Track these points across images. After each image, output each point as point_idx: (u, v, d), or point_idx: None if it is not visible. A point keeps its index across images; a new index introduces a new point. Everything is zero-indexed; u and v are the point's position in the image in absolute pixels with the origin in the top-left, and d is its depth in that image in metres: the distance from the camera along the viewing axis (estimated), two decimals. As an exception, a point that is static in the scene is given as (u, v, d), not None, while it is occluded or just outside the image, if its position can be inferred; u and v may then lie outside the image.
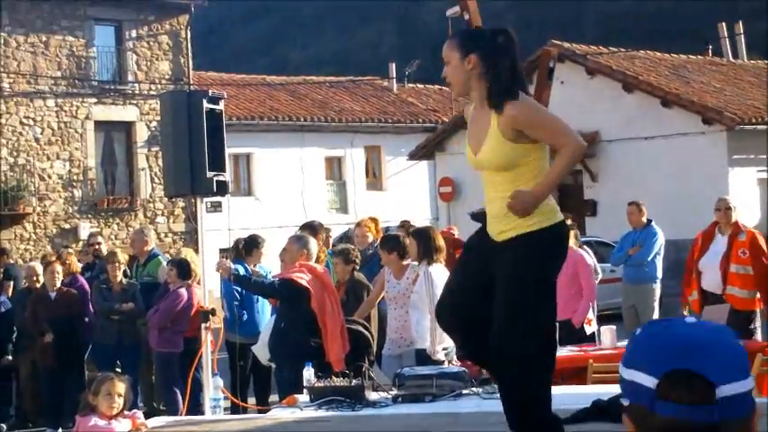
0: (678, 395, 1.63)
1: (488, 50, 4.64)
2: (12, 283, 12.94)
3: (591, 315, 9.75)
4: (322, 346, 7.97)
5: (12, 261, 14.70)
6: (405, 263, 8.55)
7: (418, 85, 37.96)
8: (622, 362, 1.74)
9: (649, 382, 1.66)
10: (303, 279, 8.09)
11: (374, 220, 11.11)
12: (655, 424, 1.65)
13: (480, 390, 6.61)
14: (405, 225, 11.70)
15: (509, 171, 4.57)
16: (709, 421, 1.62)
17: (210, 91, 8.58)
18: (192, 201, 24.93)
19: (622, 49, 27.66)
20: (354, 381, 6.82)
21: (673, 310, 10.36)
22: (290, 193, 30.75)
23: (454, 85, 4.80)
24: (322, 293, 8.12)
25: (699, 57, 29.89)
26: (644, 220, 11.98)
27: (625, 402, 1.72)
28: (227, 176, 8.52)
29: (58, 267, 11.19)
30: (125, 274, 11.35)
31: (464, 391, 6.73)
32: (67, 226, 27.13)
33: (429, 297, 7.88)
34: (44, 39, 27.13)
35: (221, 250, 24.82)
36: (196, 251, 11.26)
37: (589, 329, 9.60)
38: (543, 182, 4.47)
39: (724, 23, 31.05)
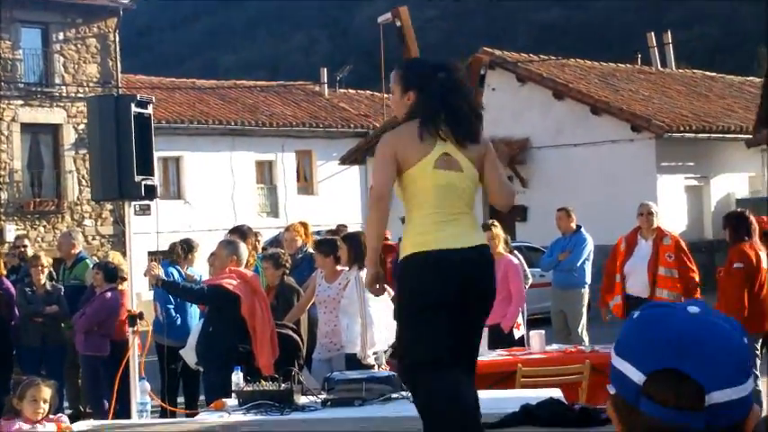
0: (664, 397, 1.52)
1: (425, 88, 4.79)
2: None
3: (520, 319, 9.81)
4: (251, 352, 7.93)
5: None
6: (339, 268, 8.55)
7: (350, 91, 38.00)
8: (614, 346, 1.62)
9: (636, 376, 1.55)
10: (232, 285, 8.04)
11: (304, 224, 11.10)
12: (637, 420, 1.55)
13: (410, 394, 6.61)
14: (340, 230, 11.69)
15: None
16: (695, 427, 1.51)
17: (139, 95, 8.51)
18: (121, 204, 24.66)
19: (553, 57, 27.95)
20: (284, 385, 6.79)
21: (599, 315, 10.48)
22: (220, 197, 30.57)
23: (397, 114, 5.04)
24: (252, 299, 8.08)
25: (628, 65, 30.31)
26: (573, 225, 12.08)
27: (611, 390, 1.61)
28: (156, 180, 8.45)
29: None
30: (51, 277, 11.19)
31: (393, 396, 6.73)
32: (-7, 227, 26.71)
33: (360, 302, 7.88)
34: (-29, 40, 26.68)
35: (150, 253, 24.61)
36: (124, 254, 11.13)
37: (518, 333, 9.66)
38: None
39: (653, 33, 31.55)
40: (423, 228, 4.73)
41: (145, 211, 24.35)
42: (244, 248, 8.60)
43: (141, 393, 7.27)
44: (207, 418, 6.72)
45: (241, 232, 10.30)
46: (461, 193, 4.80)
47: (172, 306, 10.18)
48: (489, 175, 4.91)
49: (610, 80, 27.13)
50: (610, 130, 23.85)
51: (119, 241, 27.32)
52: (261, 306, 8.12)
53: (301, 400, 6.79)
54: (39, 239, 26.14)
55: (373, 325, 7.84)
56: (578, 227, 12.10)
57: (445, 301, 4.63)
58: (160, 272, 8.21)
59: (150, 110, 8.35)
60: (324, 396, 6.79)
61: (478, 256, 4.77)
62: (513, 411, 5.63)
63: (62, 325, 10.83)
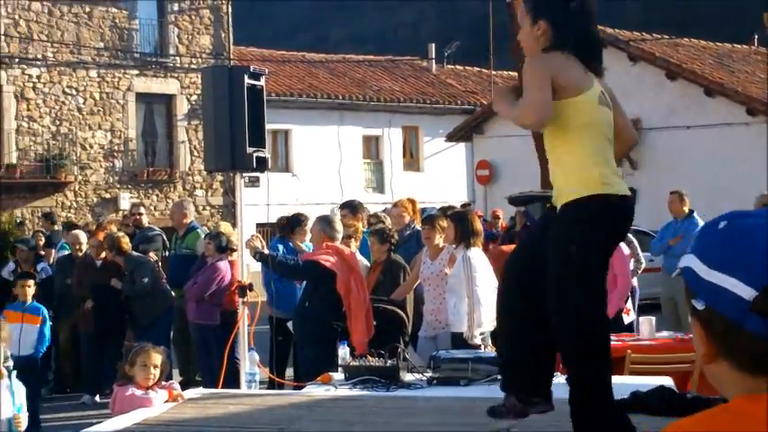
0: None
1: (558, 18, 4.47)
2: (53, 250, 13.11)
3: (629, 305, 9.66)
4: (346, 329, 7.97)
5: (57, 228, 14.84)
6: (441, 244, 8.54)
7: (457, 67, 37.83)
8: (702, 258, 1.47)
9: (745, 292, 1.40)
10: (329, 261, 8.08)
11: (412, 201, 11.09)
12: (741, 340, 1.40)
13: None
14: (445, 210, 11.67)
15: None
16: None
17: (252, 66, 8.57)
18: (231, 175, 25.02)
19: (666, 36, 27.38)
20: (390, 361, 6.82)
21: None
22: (327, 171, 30.78)
23: (525, 49, 4.61)
24: (348, 276, 8.11)
25: (744, 46, 29.53)
26: (686, 209, 11.84)
27: (699, 306, 1.46)
28: (267, 152, 8.52)
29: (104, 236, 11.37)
30: (165, 246, 11.45)
31: (500, 377, 6.69)
32: (108, 196, 27.34)
33: (467, 281, 7.86)
34: (87, 9, 27.25)
35: (258, 225, 24.97)
36: (233, 225, 11.29)
37: (627, 319, 9.52)
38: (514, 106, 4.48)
39: (770, 13, 30.65)
40: (595, 169, 4.34)
41: (254, 183, 24.70)
42: (337, 223, 8.62)
43: (250, 364, 7.37)
44: (314, 391, 6.78)
45: (352, 207, 10.35)
46: (612, 133, 4.51)
47: (275, 278, 10.27)
48: (618, 110, 4.60)
49: (725, 61, 26.48)
50: (724, 112, 23.29)
51: (228, 212, 27.77)
52: (357, 283, 8.15)
53: (407, 377, 6.81)
54: (152, 208, 26.68)
55: (480, 305, 7.82)
56: (691, 211, 11.86)
57: (610, 253, 4.42)
58: (260, 244, 8.27)
59: (263, 82, 8.39)
60: (429, 374, 6.79)
61: (632, 207, 4.54)
62: (623, 398, 5.56)
63: (174, 294, 11.05)
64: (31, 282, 9.92)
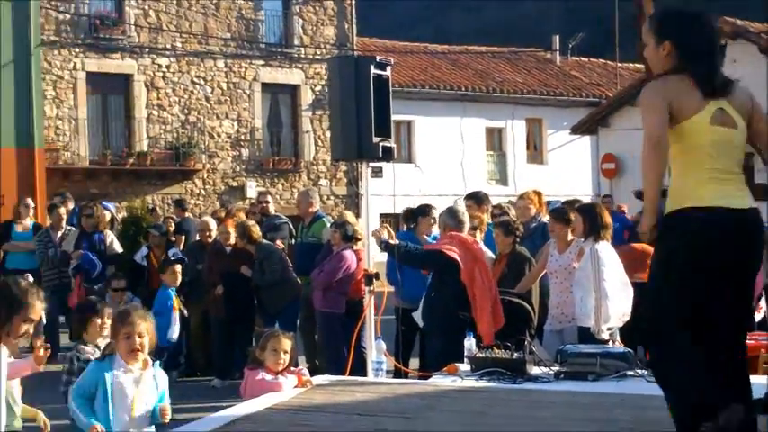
0: None
1: (683, 39, 4.53)
2: (183, 236, 13.45)
3: (763, 303, 9.41)
4: (473, 319, 7.95)
5: (187, 215, 15.21)
6: (570, 238, 8.46)
7: (582, 59, 37.36)
8: None
9: None
10: (453, 250, 8.07)
11: (538, 193, 10.99)
12: None
13: (645, 372, 6.47)
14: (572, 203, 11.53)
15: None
16: None
17: (378, 57, 8.61)
18: (355, 165, 25.27)
19: (799, 27, 26.53)
20: (516, 354, 6.80)
21: None
22: (449, 163, 30.76)
23: (651, 67, 4.74)
24: (472, 265, 8.09)
25: None
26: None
27: None
28: (392, 142, 8.55)
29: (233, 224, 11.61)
30: (291, 235, 11.59)
31: (629, 373, 6.62)
32: (235, 184, 27.86)
33: (595, 275, 7.77)
34: (215, 0, 27.77)
35: (382, 215, 25.11)
36: (357, 215, 11.35)
37: (758, 317, 9.28)
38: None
39: None
40: (698, 186, 4.47)
41: (377, 173, 24.84)
42: (463, 215, 8.60)
43: (377, 352, 7.42)
44: (440, 381, 6.80)
45: (477, 198, 10.33)
46: (736, 152, 4.57)
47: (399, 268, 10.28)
48: (760, 126, 4.66)
49: None
50: None
51: (352, 202, 28.04)
52: (481, 274, 8.11)
53: (533, 370, 6.78)
54: (277, 197, 27.08)
55: (608, 299, 7.72)
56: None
57: (712, 265, 4.42)
58: (387, 234, 8.31)
59: (388, 72, 8.42)
60: (556, 368, 6.75)
61: (753, 220, 4.53)
62: (758, 398, 5.42)
63: (301, 281, 11.20)
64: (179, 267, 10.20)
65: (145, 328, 5.22)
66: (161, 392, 5.22)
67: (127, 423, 5.07)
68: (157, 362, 5.31)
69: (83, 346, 6.25)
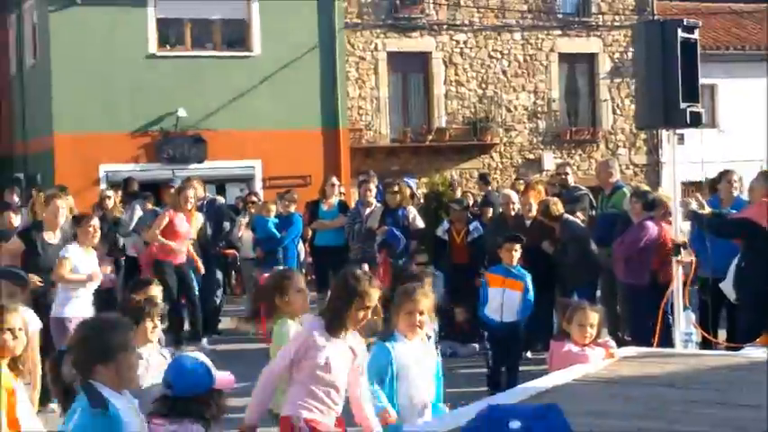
0: None
1: None
2: (491, 208, 13.65)
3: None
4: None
5: (490, 189, 15.43)
6: None
7: None
8: None
9: None
10: (763, 218, 7.72)
11: None
12: None
13: None
14: None
15: None
16: None
17: (685, 20, 8.37)
18: (655, 133, 24.60)
19: None
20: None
21: None
22: (755, 127, 29.33)
23: None
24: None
25: None
26: None
27: None
28: (700, 107, 8.29)
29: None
30: (592, 206, 11.47)
31: None
32: (532, 156, 27.85)
33: None
34: (510, -26, 27.82)
35: (683, 183, 24.34)
36: (657, 184, 11.05)
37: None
38: None
39: None
40: None
41: (679, 140, 24.08)
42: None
43: (686, 323, 7.26)
44: (752, 353, 6.54)
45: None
46: None
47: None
48: None
49: None
50: None
51: (652, 171, 27.34)
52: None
53: None
54: (575, 168, 26.85)
55: None
56: None
57: None
58: (696, 204, 8.07)
59: (696, 35, 8.19)
60: None
61: None
62: None
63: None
64: (518, 246, 9.78)
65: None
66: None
67: None
68: None
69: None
